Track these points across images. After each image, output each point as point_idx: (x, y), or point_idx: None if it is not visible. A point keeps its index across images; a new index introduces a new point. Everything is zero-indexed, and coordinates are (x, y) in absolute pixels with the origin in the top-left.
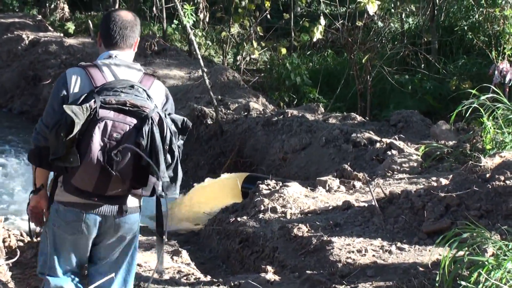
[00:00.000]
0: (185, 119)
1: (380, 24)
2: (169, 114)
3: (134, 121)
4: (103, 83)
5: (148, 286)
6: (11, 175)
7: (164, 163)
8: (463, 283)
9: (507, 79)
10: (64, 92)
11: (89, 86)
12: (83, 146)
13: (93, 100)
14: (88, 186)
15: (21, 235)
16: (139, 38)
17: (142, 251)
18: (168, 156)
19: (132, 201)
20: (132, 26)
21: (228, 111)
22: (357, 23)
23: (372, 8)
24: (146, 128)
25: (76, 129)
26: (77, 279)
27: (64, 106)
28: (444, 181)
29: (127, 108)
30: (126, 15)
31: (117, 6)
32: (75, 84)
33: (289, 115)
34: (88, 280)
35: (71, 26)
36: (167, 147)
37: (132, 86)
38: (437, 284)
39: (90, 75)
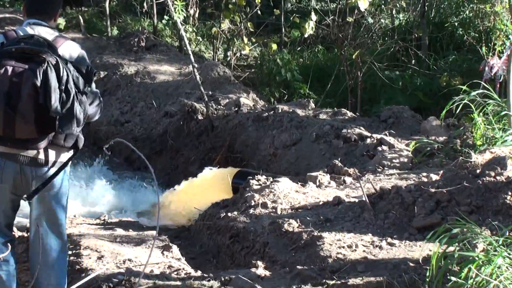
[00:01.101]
0: (90, 65)
1: (370, 20)
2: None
3: (33, 65)
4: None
5: (138, 281)
6: None
7: (57, 101)
8: (453, 278)
9: (493, 71)
10: None
11: (1, 41)
12: None
13: None
14: None
15: None
16: (59, 9)
17: (133, 246)
18: (64, 95)
19: (52, 155)
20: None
21: (219, 106)
22: (347, 19)
23: (363, 4)
24: (40, 70)
25: None
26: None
27: None
28: (434, 177)
29: (26, 55)
30: None
31: (107, 1)
32: None
33: (280, 110)
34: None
35: (61, 22)
36: (63, 87)
37: (32, 37)
38: (427, 280)
39: (5, 35)
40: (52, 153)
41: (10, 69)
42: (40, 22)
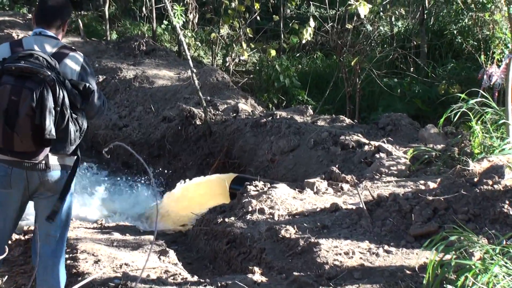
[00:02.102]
0: (87, 84)
1: (369, 27)
2: (81, 81)
3: (31, 85)
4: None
5: (135, 285)
6: None
7: (51, 122)
8: (450, 286)
9: (493, 81)
10: None
11: (7, 55)
12: None
13: None
14: None
15: None
16: (68, 20)
17: (130, 250)
18: (59, 117)
19: (53, 159)
20: (59, 8)
21: (217, 112)
22: (346, 26)
23: (363, 10)
24: (37, 91)
25: None
26: None
27: None
28: (432, 185)
29: (26, 74)
30: (57, 1)
31: (107, 5)
32: None
33: (278, 116)
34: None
35: None
36: (59, 108)
37: (31, 55)
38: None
39: (11, 47)
40: (53, 158)
41: (9, 87)
42: (46, 32)
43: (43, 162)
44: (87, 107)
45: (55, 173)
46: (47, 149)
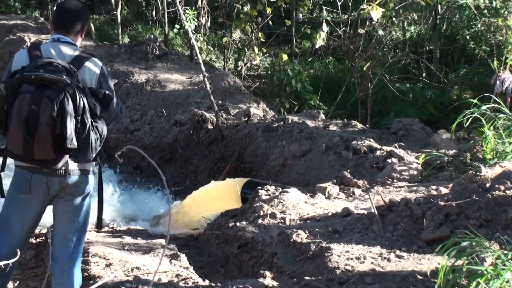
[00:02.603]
0: (107, 92)
1: (381, 32)
2: (100, 88)
3: (51, 94)
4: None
5: None
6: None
7: (72, 131)
8: None
9: (505, 86)
10: (9, 69)
11: (26, 63)
12: (10, 116)
13: (16, 76)
14: (18, 151)
15: None
16: (86, 25)
17: (141, 254)
18: (80, 126)
19: (73, 165)
20: (78, 14)
21: (229, 116)
22: (359, 31)
23: (376, 15)
24: (57, 100)
25: (0, 100)
26: (12, 241)
27: None
28: (444, 190)
29: (45, 83)
30: (73, 5)
31: (119, 9)
32: (16, 62)
33: (290, 121)
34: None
35: None
36: (79, 117)
37: (50, 63)
38: None
39: (29, 54)
40: (72, 164)
41: (29, 96)
42: (65, 39)
43: (63, 168)
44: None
45: (75, 178)
46: (66, 156)
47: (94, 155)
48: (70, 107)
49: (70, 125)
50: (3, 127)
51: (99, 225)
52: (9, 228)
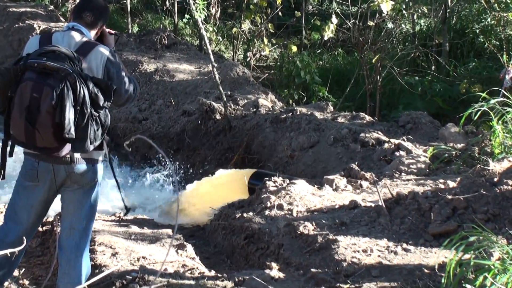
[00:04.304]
0: (110, 82)
1: (391, 25)
2: (108, 73)
3: (52, 82)
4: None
5: (155, 279)
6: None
7: (71, 121)
8: (469, 286)
9: None
10: (22, 54)
11: (35, 49)
12: (12, 103)
13: (20, 63)
14: (21, 137)
15: None
16: (103, 24)
17: (147, 244)
18: (79, 116)
19: (77, 153)
20: (99, 10)
21: (237, 107)
22: (368, 23)
23: (386, 8)
24: (57, 89)
25: (4, 86)
26: (19, 229)
27: None
28: (451, 184)
29: (48, 71)
30: (95, 1)
31: None
32: (27, 48)
33: (298, 113)
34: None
35: None
36: (79, 107)
37: (53, 51)
38: (442, 287)
39: (40, 41)
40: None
41: (31, 84)
42: (78, 26)
43: (68, 156)
44: (114, 99)
45: (80, 166)
46: (69, 145)
47: (92, 146)
48: (70, 96)
49: (69, 114)
50: (6, 114)
51: (126, 213)
52: (16, 215)
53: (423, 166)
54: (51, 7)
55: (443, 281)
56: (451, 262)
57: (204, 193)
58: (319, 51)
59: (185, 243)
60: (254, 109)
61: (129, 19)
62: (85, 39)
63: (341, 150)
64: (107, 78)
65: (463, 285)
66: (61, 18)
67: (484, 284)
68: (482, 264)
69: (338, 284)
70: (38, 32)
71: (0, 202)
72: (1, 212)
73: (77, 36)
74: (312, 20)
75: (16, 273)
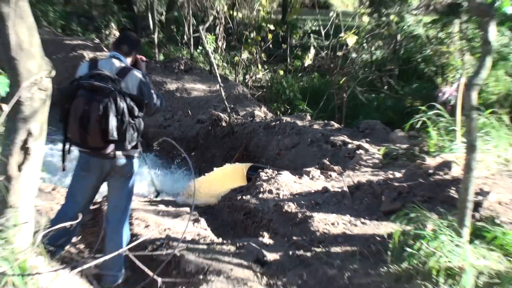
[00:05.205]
0: (142, 98)
1: (354, 54)
2: (140, 91)
3: (99, 98)
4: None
5: (178, 245)
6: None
7: (113, 127)
8: (409, 249)
9: (445, 96)
10: (76, 77)
11: (85, 72)
12: (69, 114)
13: (74, 83)
14: (76, 140)
15: None
16: (136, 53)
17: (171, 218)
18: (120, 124)
19: (118, 151)
20: (133, 43)
21: (238, 116)
22: (337, 53)
23: (351, 41)
24: (103, 103)
25: (63, 101)
26: (76, 207)
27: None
28: (398, 174)
29: (95, 89)
30: (130, 35)
31: (156, 34)
32: (79, 71)
33: (284, 121)
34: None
35: None
36: (119, 117)
37: (99, 74)
38: (390, 250)
39: (89, 66)
40: (118, 150)
41: (83, 99)
42: (118, 56)
43: (112, 153)
44: (146, 110)
45: (121, 161)
46: (113, 145)
47: (130, 146)
48: (112, 109)
49: (112, 122)
50: (64, 121)
51: (156, 196)
52: (73, 198)
53: (377, 161)
54: (97, 40)
55: (390, 245)
56: (397, 232)
57: (213, 181)
58: (300, 74)
59: (199, 218)
60: (251, 118)
61: (156, 50)
62: (123, 64)
63: (316, 149)
64: (140, 94)
65: (405, 248)
66: (105, 49)
67: (421, 248)
68: (419, 233)
69: (312, 248)
70: (87, 59)
71: (63, 186)
72: (63, 195)
73: (117, 63)
74: (295, 51)
75: (74, 239)
